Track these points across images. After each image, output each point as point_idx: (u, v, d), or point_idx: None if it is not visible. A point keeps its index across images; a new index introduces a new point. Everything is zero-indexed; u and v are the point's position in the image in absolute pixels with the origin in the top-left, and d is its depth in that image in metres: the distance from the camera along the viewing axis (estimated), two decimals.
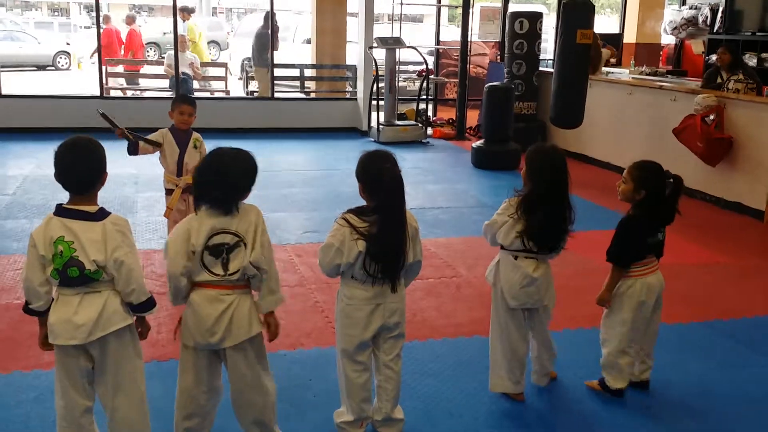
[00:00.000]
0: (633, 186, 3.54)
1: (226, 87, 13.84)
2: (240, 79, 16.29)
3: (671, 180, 3.54)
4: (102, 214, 2.70)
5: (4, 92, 10.73)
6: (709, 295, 5.08)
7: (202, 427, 3.02)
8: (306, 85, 14.40)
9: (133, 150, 5.08)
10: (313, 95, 14.02)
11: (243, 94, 14.38)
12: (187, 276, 2.81)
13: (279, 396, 3.11)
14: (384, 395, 3.27)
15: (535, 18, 10.51)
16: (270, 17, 11.98)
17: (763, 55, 10.11)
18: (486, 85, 9.51)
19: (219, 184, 2.81)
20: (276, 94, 12.01)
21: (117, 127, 5.02)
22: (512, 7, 12.42)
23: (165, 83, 13.04)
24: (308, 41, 16.04)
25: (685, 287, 5.11)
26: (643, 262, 3.57)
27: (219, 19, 33.42)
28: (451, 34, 17.85)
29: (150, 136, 5.12)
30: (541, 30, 10.64)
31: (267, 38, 12.20)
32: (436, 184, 8.34)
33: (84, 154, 2.72)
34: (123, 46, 14.61)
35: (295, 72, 14.27)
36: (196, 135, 5.30)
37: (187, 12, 14.01)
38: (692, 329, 4.54)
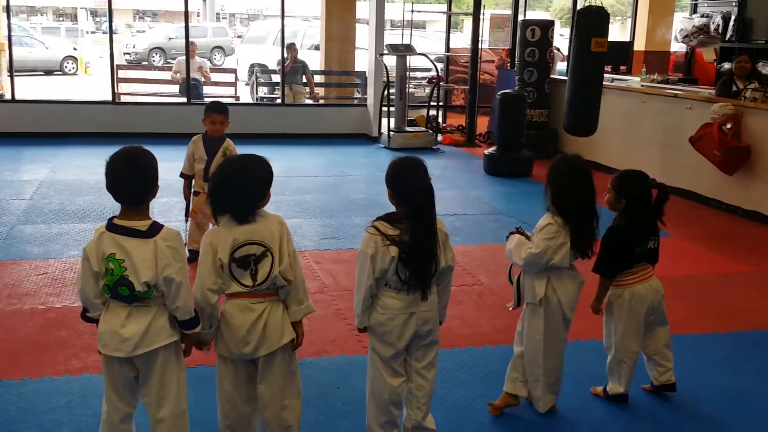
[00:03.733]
0: (614, 195, 3.57)
1: (236, 93, 13.83)
2: (247, 84, 16.30)
3: (657, 188, 3.56)
4: (153, 230, 2.67)
5: (17, 97, 10.74)
6: (735, 306, 5.04)
7: None
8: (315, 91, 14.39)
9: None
10: (322, 101, 14.02)
11: (251, 100, 14.41)
12: (219, 291, 2.80)
13: (308, 404, 3.10)
14: (415, 403, 3.23)
15: (547, 26, 10.52)
16: (283, 42, 11.97)
17: None
18: (498, 93, 9.50)
19: (233, 195, 2.80)
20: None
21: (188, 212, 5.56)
22: (522, 15, 12.44)
23: (175, 89, 13.02)
24: (316, 47, 16.08)
25: (709, 298, 5.08)
26: (632, 271, 3.58)
27: (223, 25, 33.54)
28: (457, 40, 17.90)
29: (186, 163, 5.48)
30: (552, 38, 10.64)
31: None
32: (450, 190, 8.31)
33: (136, 166, 2.70)
34: None
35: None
36: (227, 143, 5.40)
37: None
38: (716, 340, 4.51)
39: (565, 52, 12.57)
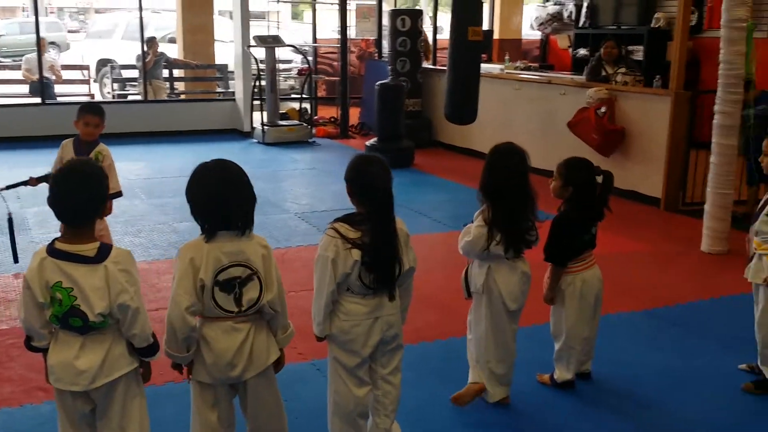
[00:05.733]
0: (561, 182, 3.61)
1: (90, 91, 12.97)
2: (95, 81, 15.36)
3: (601, 176, 3.64)
4: (102, 254, 2.39)
5: None
6: (641, 285, 5.27)
7: None
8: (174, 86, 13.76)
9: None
10: (182, 96, 13.44)
11: (101, 98, 13.58)
12: (197, 313, 2.56)
13: None
14: (382, 410, 3.11)
15: (416, 15, 10.58)
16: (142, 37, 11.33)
17: (630, 47, 10.67)
18: (377, 84, 9.46)
19: (216, 207, 2.57)
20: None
21: (27, 182, 4.76)
22: (386, 6, 12.48)
23: (23, 88, 12.00)
24: (170, 40, 15.36)
25: (617, 277, 5.27)
26: (580, 258, 3.65)
27: (56, 19, 31.41)
28: (304, 31, 17.57)
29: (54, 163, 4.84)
30: (422, 27, 10.73)
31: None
32: (338, 184, 8.11)
33: (84, 181, 2.41)
34: None
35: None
36: (100, 147, 4.95)
37: None
38: (635, 318, 4.69)
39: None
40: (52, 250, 2.38)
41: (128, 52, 14.44)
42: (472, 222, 3.44)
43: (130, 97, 13.21)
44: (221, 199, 2.55)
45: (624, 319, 4.62)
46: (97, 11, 31.58)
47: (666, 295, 5.05)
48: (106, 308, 2.36)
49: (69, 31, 25.90)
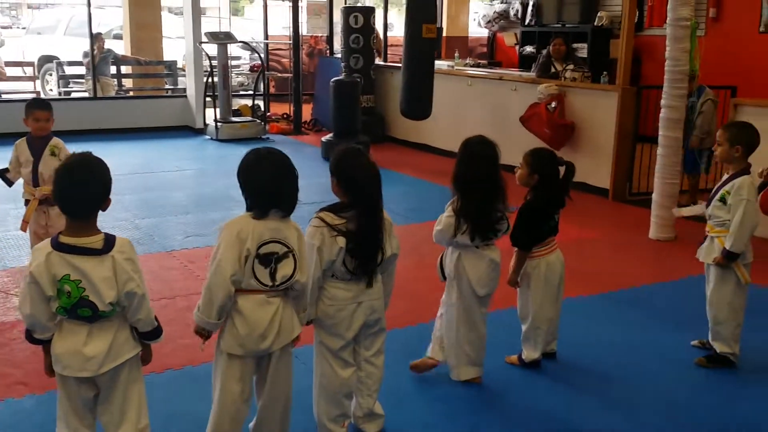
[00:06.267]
0: (527, 171, 3.81)
1: (35, 88, 12.74)
2: (37, 78, 15.04)
3: (564, 165, 3.86)
4: (108, 245, 2.47)
5: None
6: (596, 270, 5.53)
7: None
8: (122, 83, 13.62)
9: (7, 181, 4.90)
10: (131, 93, 13.30)
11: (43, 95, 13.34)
12: (237, 284, 2.72)
13: None
14: (366, 390, 3.28)
15: (369, 12, 10.73)
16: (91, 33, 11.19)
17: (575, 45, 11.03)
18: (332, 80, 9.57)
19: (272, 190, 2.76)
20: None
21: None
22: (338, 3, 12.59)
23: None
24: (115, 36, 15.17)
25: (576, 263, 5.50)
26: (544, 243, 3.87)
27: None
28: (248, 26, 17.47)
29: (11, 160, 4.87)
30: (375, 24, 10.88)
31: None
32: (299, 179, 8.27)
33: (88, 175, 2.49)
34: None
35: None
36: (55, 141, 4.98)
37: None
38: (594, 301, 4.94)
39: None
40: (57, 245, 2.44)
41: (72, 49, 14.23)
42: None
43: (75, 95, 13.01)
44: (278, 184, 2.76)
45: (583, 303, 4.86)
46: (29, 6, 30.77)
47: (620, 279, 5.32)
48: (115, 297, 2.45)
49: (5, 27, 25.22)
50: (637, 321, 4.64)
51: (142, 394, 2.69)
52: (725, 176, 3.91)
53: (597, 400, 3.69)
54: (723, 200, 3.79)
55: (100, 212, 2.54)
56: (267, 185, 2.76)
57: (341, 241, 2.98)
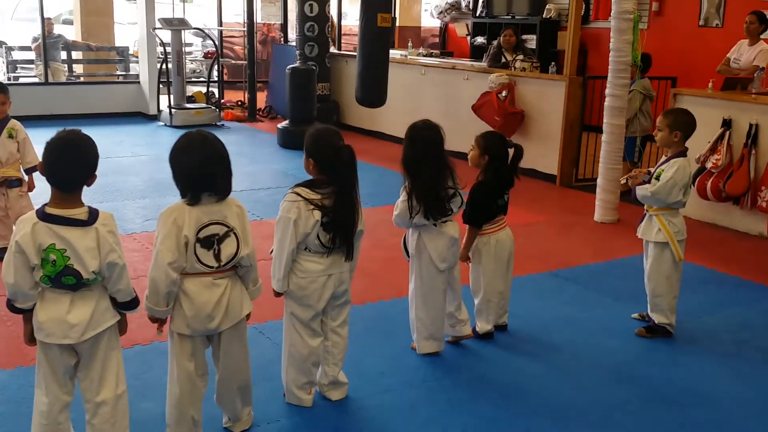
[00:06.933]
0: (479, 152, 4.05)
1: None
2: None
3: (513, 148, 4.11)
4: (92, 217, 2.61)
5: None
6: (544, 250, 5.81)
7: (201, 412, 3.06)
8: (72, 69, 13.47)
9: None
10: (81, 79, 13.17)
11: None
12: (179, 270, 2.80)
13: None
14: (331, 359, 3.46)
15: (324, 1, 10.83)
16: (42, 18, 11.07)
17: (523, 36, 11.34)
18: (288, 68, 9.69)
19: (203, 175, 2.79)
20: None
21: None
22: None
23: None
24: (64, 21, 14.99)
25: (525, 244, 5.78)
26: (494, 221, 4.12)
27: None
28: (198, 13, 17.39)
29: None
30: (330, 13, 11.00)
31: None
32: (253, 165, 8.41)
33: (76, 150, 2.61)
34: None
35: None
36: (12, 123, 5.08)
37: None
38: (543, 279, 5.22)
39: None
40: (44, 215, 2.57)
41: (20, 34, 14.02)
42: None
43: (23, 80, 12.84)
44: (208, 169, 2.80)
45: (531, 280, 5.13)
46: None
47: (566, 258, 5.62)
48: (97, 266, 2.58)
49: None
50: (582, 296, 4.93)
51: (120, 362, 2.81)
52: (663, 158, 4.20)
53: (545, 367, 3.94)
54: (659, 178, 4.07)
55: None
56: (195, 171, 2.78)
57: (317, 214, 3.14)
